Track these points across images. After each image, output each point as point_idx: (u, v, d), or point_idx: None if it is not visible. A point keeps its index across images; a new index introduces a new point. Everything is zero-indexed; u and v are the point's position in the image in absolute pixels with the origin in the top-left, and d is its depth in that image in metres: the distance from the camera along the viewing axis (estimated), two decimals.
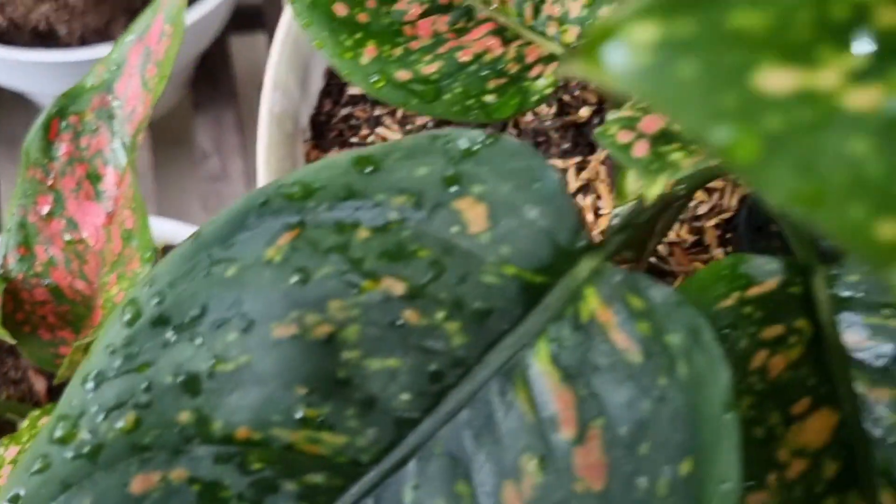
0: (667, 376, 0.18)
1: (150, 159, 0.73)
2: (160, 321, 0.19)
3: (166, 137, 0.74)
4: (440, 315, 0.19)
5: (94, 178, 0.36)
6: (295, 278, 0.19)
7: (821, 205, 0.10)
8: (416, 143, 0.19)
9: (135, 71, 0.35)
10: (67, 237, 0.37)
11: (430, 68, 0.22)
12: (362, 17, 0.22)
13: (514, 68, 0.22)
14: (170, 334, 0.19)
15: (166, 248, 0.56)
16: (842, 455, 0.18)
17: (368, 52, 0.22)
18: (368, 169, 0.20)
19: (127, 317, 0.19)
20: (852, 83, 0.10)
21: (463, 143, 0.19)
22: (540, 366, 0.19)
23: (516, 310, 0.20)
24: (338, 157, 0.19)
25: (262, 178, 0.31)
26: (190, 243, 0.19)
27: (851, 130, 0.10)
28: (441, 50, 0.22)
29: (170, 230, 0.55)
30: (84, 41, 0.64)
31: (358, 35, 0.22)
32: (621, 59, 0.10)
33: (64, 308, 0.37)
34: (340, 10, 0.22)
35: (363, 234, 0.19)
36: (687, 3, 0.10)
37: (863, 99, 0.10)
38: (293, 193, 0.19)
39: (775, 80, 0.10)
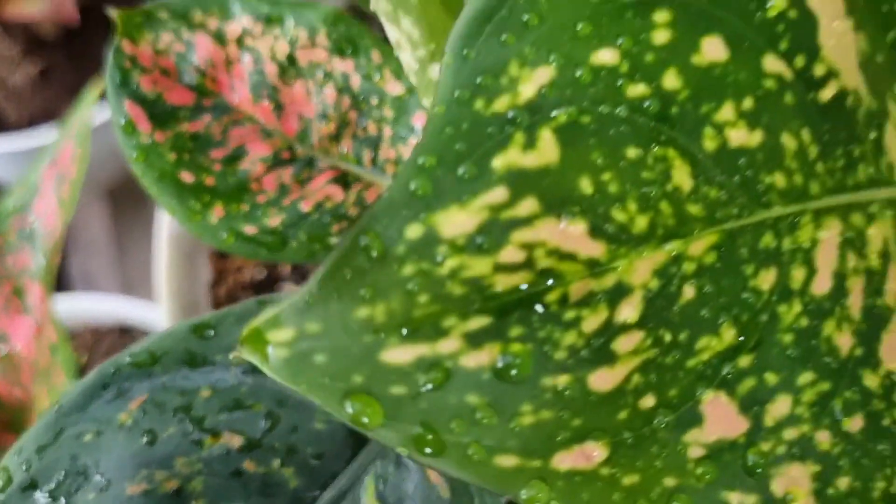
0: None
1: (111, 231, 0.76)
2: (29, 486, 0.22)
3: (125, 207, 0.77)
4: (275, 463, 0.22)
5: (21, 293, 0.39)
6: (144, 440, 0.22)
7: (443, 451, 0.13)
8: (245, 308, 0.22)
9: (50, 192, 0.38)
10: (3, 350, 0.40)
11: (274, 220, 0.25)
12: (209, 181, 0.25)
13: (355, 211, 0.25)
14: (38, 496, 0.22)
15: (123, 330, 0.59)
16: None
17: (216, 213, 0.25)
18: (208, 333, 0.23)
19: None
20: (471, 346, 0.13)
21: None
22: (368, 502, 0.22)
23: (347, 451, 0.23)
24: (178, 326, 0.23)
25: (166, 300, 0.34)
26: (53, 413, 0.23)
27: (468, 386, 0.13)
28: (285, 202, 0.25)
29: (132, 311, 0.58)
30: (32, 122, 0.68)
31: (206, 198, 0.25)
32: (272, 351, 0.13)
33: (4, 416, 0.41)
34: (187, 177, 0.25)
35: (205, 393, 0.23)
36: (314, 306, 0.13)
37: (479, 358, 0.13)
38: (141, 361, 0.23)
39: (399, 354, 0.13)
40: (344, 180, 0.26)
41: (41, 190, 0.39)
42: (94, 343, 0.59)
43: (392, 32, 0.19)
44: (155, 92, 0.25)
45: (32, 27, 0.67)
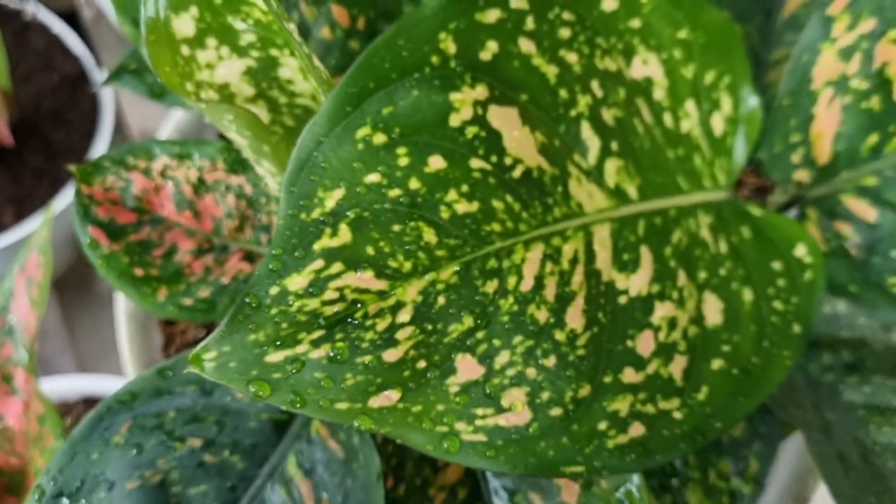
0: (355, 463, 0.33)
1: (60, 315, 0.87)
2: (58, 495, 0.33)
3: (71, 291, 0.88)
4: (226, 453, 0.34)
5: (8, 378, 0.50)
6: (134, 451, 0.34)
7: (305, 405, 0.25)
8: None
9: (23, 294, 0.49)
10: None
11: (204, 293, 0.37)
12: (154, 272, 0.37)
13: None
14: (65, 501, 0.33)
15: (87, 401, 0.70)
16: (469, 483, 0.33)
17: (162, 294, 0.37)
18: (169, 373, 0.34)
19: (36, 496, 0.33)
20: (314, 347, 0.25)
21: None
22: (291, 470, 0.34)
23: (274, 438, 0.34)
24: (147, 371, 0.34)
25: (129, 362, 0.45)
26: (68, 442, 0.34)
27: (314, 369, 0.25)
28: (210, 279, 0.37)
29: (91, 385, 0.69)
30: None
31: (153, 285, 0.36)
32: (206, 364, 0.25)
33: (4, 480, 0.51)
34: (138, 272, 0.37)
35: (172, 414, 0.34)
36: (225, 337, 0.25)
37: (319, 353, 0.25)
38: (124, 399, 0.34)
39: (275, 357, 0.25)
40: (250, 258, 0.38)
41: (16, 293, 0.49)
42: (63, 414, 0.69)
43: (258, 169, 0.31)
44: (108, 217, 0.36)
45: None
